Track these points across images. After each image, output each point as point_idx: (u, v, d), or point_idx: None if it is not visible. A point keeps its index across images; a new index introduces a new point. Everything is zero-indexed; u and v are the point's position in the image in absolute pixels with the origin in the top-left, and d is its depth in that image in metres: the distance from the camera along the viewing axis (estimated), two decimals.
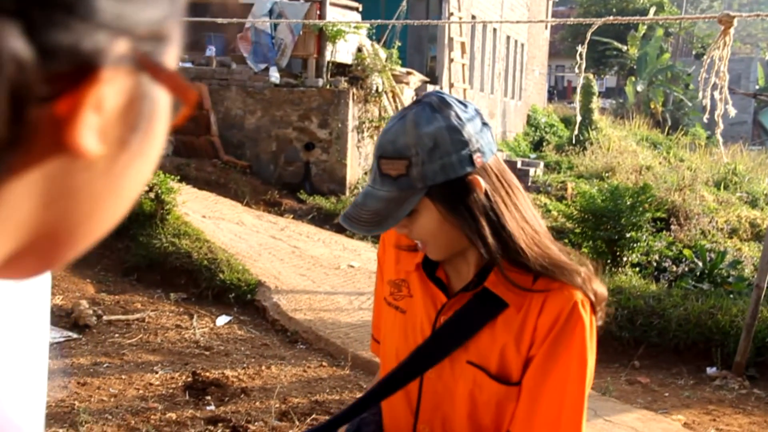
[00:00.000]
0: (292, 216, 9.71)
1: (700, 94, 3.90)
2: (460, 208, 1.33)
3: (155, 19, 0.43)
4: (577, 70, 4.06)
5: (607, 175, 13.87)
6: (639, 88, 26.73)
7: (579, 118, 4.91)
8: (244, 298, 6.61)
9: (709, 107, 3.91)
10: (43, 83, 0.38)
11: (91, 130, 0.40)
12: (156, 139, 0.46)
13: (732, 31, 3.67)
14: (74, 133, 0.40)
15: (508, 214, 1.36)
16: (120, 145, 0.43)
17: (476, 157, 1.33)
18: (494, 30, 19.15)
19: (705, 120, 4.11)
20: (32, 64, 0.37)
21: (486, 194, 1.34)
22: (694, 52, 34.77)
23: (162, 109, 0.46)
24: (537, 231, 1.39)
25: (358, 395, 4.76)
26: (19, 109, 0.37)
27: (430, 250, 1.40)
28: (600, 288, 1.42)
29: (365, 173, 11.02)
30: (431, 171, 1.32)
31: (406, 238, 1.51)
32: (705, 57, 3.92)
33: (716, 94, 3.81)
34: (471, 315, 1.41)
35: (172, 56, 0.45)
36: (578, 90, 4.69)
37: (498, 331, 1.39)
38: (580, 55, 4.07)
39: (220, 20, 6.78)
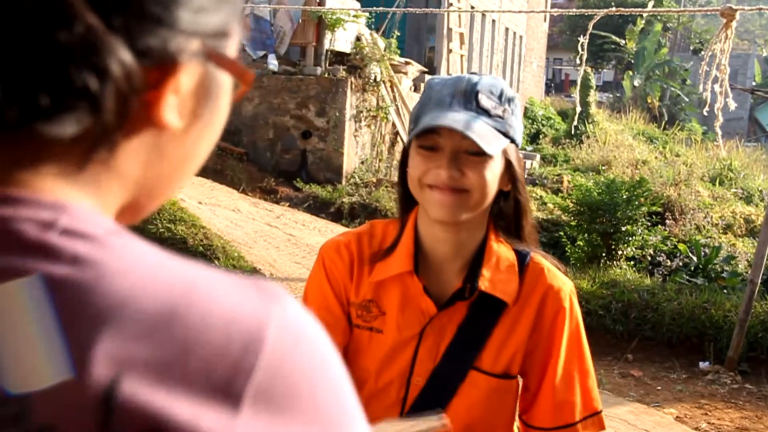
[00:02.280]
0: (288, 204, 9.70)
1: (701, 87, 3.90)
2: (518, 173, 1.39)
3: (219, 22, 0.56)
4: (578, 61, 4.06)
5: (603, 168, 13.88)
6: (636, 83, 26.73)
7: (579, 109, 4.90)
8: None
9: (709, 101, 3.92)
10: (140, 78, 0.50)
11: (171, 108, 0.53)
12: (221, 112, 0.60)
13: (734, 24, 3.67)
14: (160, 111, 0.53)
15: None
16: (193, 117, 0.56)
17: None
18: (493, 21, 19.11)
19: (705, 113, 4.12)
20: (134, 68, 0.49)
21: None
22: (691, 48, 34.76)
23: (225, 88, 0.59)
24: None
25: None
26: (123, 101, 0.50)
27: (467, 201, 1.33)
28: None
29: (362, 162, 10.99)
30: (517, 127, 1.38)
31: (373, 244, 1.45)
32: (706, 50, 3.92)
33: (716, 87, 3.81)
34: (473, 330, 1.38)
35: (233, 46, 0.58)
36: (579, 80, 4.69)
37: (495, 330, 1.39)
38: (582, 45, 4.06)
39: None
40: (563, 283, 1.42)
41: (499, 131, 1.32)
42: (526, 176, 13.59)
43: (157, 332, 0.46)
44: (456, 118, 1.29)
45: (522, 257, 1.42)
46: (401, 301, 1.40)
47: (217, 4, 0.55)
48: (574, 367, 1.40)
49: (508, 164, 1.36)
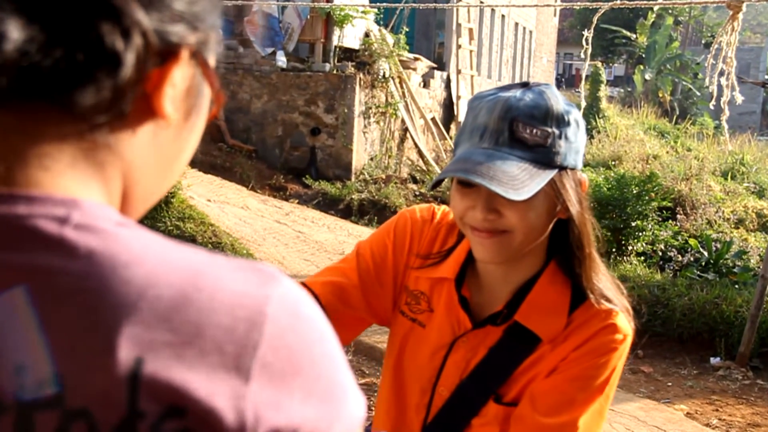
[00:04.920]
0: (297, 201, 9.70)
1: (707, 80, 3.88)
2: (576, 204, 1.23)
3: (211, 25, 0.59)
4: (582, 55, 4.03)
5: (613, 163, 13.82)
6: (647, 77, 26.61)
7: (584, 104, 4.88)
8: None
9: (716, 94, 3.88)
10: (153, 53, 0.54)
11: (169, 100, 0.57)
12: (202, 119, 0.63)
13: (740, 16, 3.63)
14: (159, 99, 0.56)
15: (591, 222, 1.30)
16: (185, 116, 0.60)
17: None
18: (502, 16, 19.05)
19: (711, 107, 4.08)
20: (153, 37, 0.53)
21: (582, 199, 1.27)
22: (703, 41, 34.56)
23: (207, 96, 0.62)
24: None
25: (360, 381, 4.77)
26: (139, 69, 0.53)
27: (509, 243, 1.22)
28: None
29: (371, 159, 10.98)
30: (570, 151, 1.20)
31: (436, 246, 1.38)
32: (713, 43, 3.88)
33: (723, 80, 3.77)
34: (503, 357, 1.31)
35: (212, 60, 0.62)
36: (583, 75, 4.66)
37: (524, 363, 1.31)
38: (586, 40, 4.04)
39: (227, 2, 6.75)
40: (618, 331, 1.28)
41: (541, 163, 1.17)
42: None
43: (173, 317, 0.50)
44: (480, 162, 1.15)
45: (578, 297, 1.30)
46: (446, 305, 1.36)
47: (210, 5, 0.59)
48: (577, 414, 1.25)
49: (560, 192, 1.20)
